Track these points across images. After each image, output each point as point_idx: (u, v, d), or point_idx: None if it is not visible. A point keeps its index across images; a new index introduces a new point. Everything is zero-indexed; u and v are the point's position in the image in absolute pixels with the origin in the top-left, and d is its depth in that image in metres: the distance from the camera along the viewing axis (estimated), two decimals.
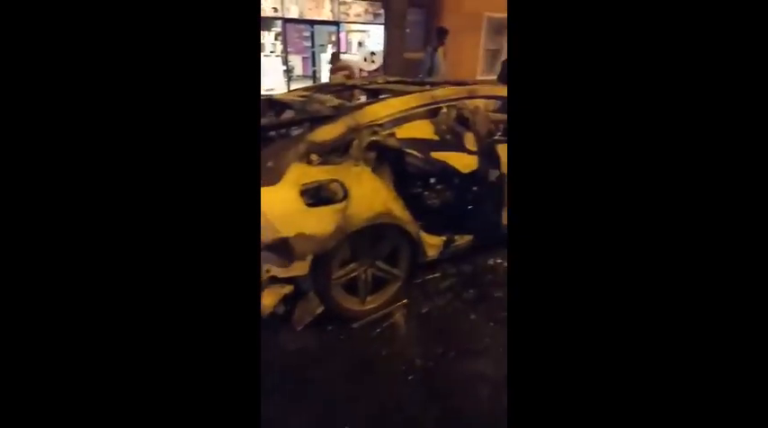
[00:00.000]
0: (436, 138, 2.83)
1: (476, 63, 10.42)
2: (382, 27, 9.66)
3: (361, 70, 10.15)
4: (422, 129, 2.87)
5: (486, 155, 2.28)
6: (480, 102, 2.30)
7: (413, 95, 2.12)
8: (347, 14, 9.41)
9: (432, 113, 3.70)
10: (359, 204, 1.85)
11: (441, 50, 5.04)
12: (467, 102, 2.25)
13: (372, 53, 10.11)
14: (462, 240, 2.39)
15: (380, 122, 2.05)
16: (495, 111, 3.31)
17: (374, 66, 10.19)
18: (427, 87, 2.51)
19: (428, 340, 1.88)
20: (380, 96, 2.52)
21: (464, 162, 2.50)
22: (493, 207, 2.38)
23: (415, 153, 2.48)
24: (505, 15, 10.21)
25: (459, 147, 2.66)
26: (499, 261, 2.53)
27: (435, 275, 2.36)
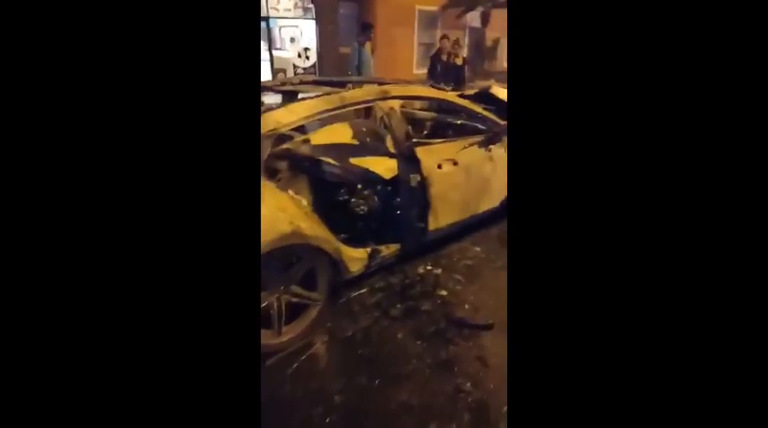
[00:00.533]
0: (355, 142, 2.67)
1: (410, 58, 10.40)
2: (313, 22, 9.39)
3: (295, 67, 9.76)
4: (340, 134, 2.69)
5: (406, 158, 2.15)
6: (396, 103, 2.15)
7: (319, 99, 1.92)
8: (276, 9, 8.96)
9: (365, 114, 3.52)
10: (262, 226, 1.64)
11: (368, 45, 4.86)
12: (380, 103, 2.09)
13: (306, 49, 9.72)
14: (389, 250, 2.25)
15: (283, 130, 1.83)
16: (421, 110, 3.20)
17: (309, 63, 9.83)
18: (349, 87, 2.30)
19: (351, 369, 1.71)
20: (299, 97, 2.30)
21: (386, 166, 2.36)
22: (417, 213, 2.26)
23: (331, 161, 2.29)
24: (437, 8, 10.26)
25: (381, 150, 2.52)
26: (429, 268, 2.42)
27: (362, 291, 2.20)
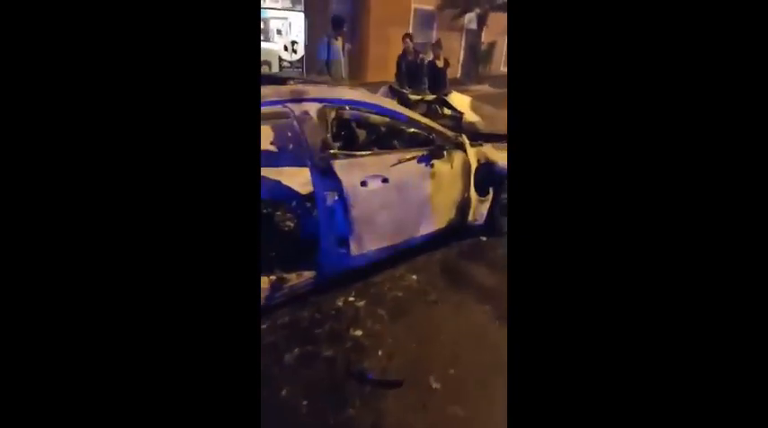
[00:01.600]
0: (273, 148, 2.33)
1: None
2: (302, 15, 9.04)
3: (281, 60, 9.40)
4: None
5: (320, 172, 1.81)
6: (312, 106, 1.81)
7: None
8: None
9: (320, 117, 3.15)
10: None
11: (340, 41, 4.52)
12: (292, 105, 1.76)
13: (294, 42, 9.37)
14: (300, 278, 1.92)
15: None
16: (377, 114, 2.85)
17: (296, 57, 9.48)
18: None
19: None
20: None
21: (305, 179, 2.02)
22: (337, 236, 1.92)
23: None
24: (434, 8, 9.91)
25: (303, 161, 2.17)
26: (352, 299, 2.09)
27: (261, 327, 1.87)
